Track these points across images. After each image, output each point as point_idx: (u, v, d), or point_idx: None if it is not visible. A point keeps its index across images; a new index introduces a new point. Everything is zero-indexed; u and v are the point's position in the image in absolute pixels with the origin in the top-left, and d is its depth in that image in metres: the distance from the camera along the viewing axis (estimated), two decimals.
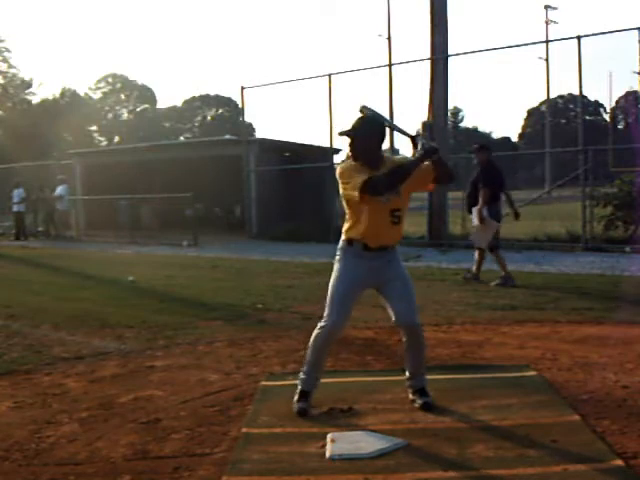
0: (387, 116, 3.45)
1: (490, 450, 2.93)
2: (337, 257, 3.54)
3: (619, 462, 2.77)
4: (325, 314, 3.47)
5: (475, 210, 7.99)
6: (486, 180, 7.92)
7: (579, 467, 2.74)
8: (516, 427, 3.20)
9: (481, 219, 7.89)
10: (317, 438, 3.11)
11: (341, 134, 3.49)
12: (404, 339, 3.56)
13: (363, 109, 3.48)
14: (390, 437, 3.08)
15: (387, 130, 3.50)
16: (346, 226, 3.50)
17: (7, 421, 3.52)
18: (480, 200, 7.89)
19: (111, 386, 4.12)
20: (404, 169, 3.29)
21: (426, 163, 3.33)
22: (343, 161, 3.68)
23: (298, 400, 3.53)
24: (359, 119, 3.45)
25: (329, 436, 3.11)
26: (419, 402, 3.52)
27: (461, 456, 2.89)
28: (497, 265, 8.13)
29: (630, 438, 3.02)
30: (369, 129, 3.42)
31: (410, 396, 3.60)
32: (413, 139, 3.35)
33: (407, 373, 3.63)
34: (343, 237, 3.53)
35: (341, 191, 3.43)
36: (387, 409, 3.52)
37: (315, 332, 3.51)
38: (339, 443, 3.03)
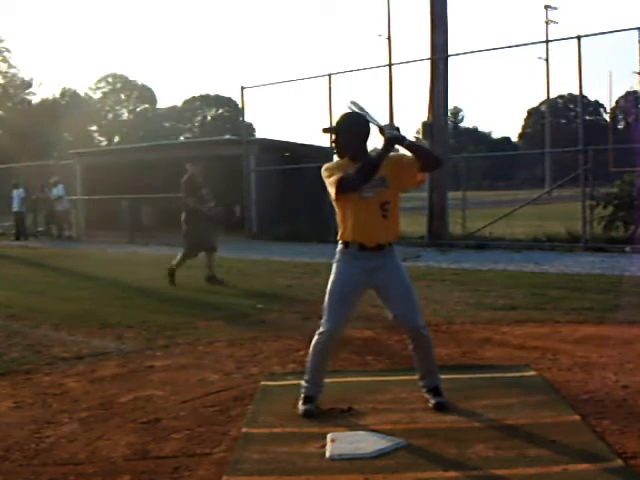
0: (376, 113, 3.47)
1: (490, 450, 2.93)
2: (334, 260, 3.54)
3: (619, 462, 2.76)
4: (322, 320, 3.47)
5: None
6: None
7: (579, 467, 2.74)
8: (516, 427, 3.20)
9: None
10: (317, 438, 3.11)
11: (325, 131, 3.52)
12: (410, 342, 3.55)
13: (351, 105, 3.49)
14: (390, 437, 3.08)
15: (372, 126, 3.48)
16: (340, 229, 3.51)
17: (7, 421, 3.52)
18: None
19: (111, 386, 4.11)
20: (372, 162, 3.31)
21: (408, 155, 3.34)
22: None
23: (303, 403, 3.50)
24: (343, 115, 3.48)
25: (329, 436, 3.11)
26: (432, 402, 3.50)
27: (461, 456, 2.89)
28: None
29: (630, 438, 3.02)
30: (353, 125, 3.44)
31: (424, 395, 3.58)
32: (381, 130, 3.34)
33: (418, 374, 3.62)
34: (339, 241, 3.53)
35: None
36: (387, 409, 3.51)
37: (314, 339, 3.51)
38: (339, 443, 3.03)
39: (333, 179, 3.33)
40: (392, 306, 3.47)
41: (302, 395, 3.53)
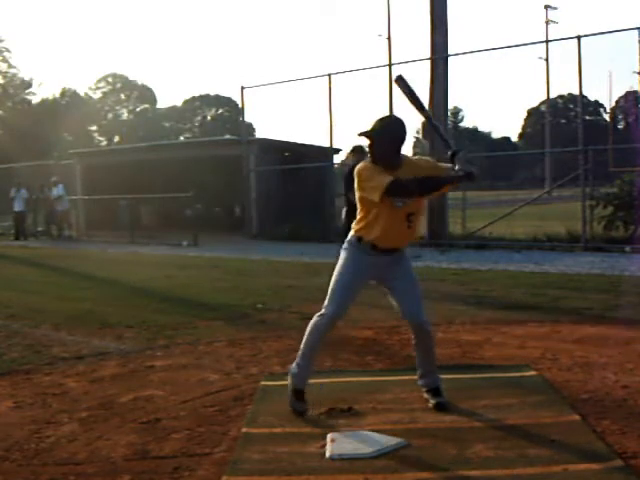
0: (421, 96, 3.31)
1: (490, 450, 2.93)
2: (343, 248, 3.48)
3: (619, 462, 2.76)
4: (325, 303, 3.42)
5: None
6: None
7: (579, 467, 2.74)
8: (516, 427, 3.19)
9: None
10: (317, 438, 3.11)
11: (361, 135, 3.36)
12: (413, 337, 3.55)
13: (399, 80, 3.37)
14: (390, 437, 3.08)
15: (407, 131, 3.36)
16: (358, 224, 3.42)
17: (7, 421, 3.52)
18: None
19: (111, 386, 4.11)
20: (436, 183, 3.22)
21: (446, 166, 3.30)
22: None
23: (295, 400, 3.47)
24: (379, 119, 3.34)
25: (329, 436, 3.11)
26: (432, 402, 3.50)
27: (461, 456, 2.89)
28: None
29: (630, 438, 3.02)
30: (390, 131, 3.31)
31: (424, 395, 3.57)
32: (453, 154, 3.25)
33: (418, 372, 3.61)
34: (352, 232, 3.45)
35: (357, 190, 3.34)
36: (387, 409, 3.51)
37: (312, 321, 3.44)
38: (339, 443, 3.03)
39: (383, 180, 3.16)
40: (397, 299, 3.46)
41: (291, 387, 3.47)
